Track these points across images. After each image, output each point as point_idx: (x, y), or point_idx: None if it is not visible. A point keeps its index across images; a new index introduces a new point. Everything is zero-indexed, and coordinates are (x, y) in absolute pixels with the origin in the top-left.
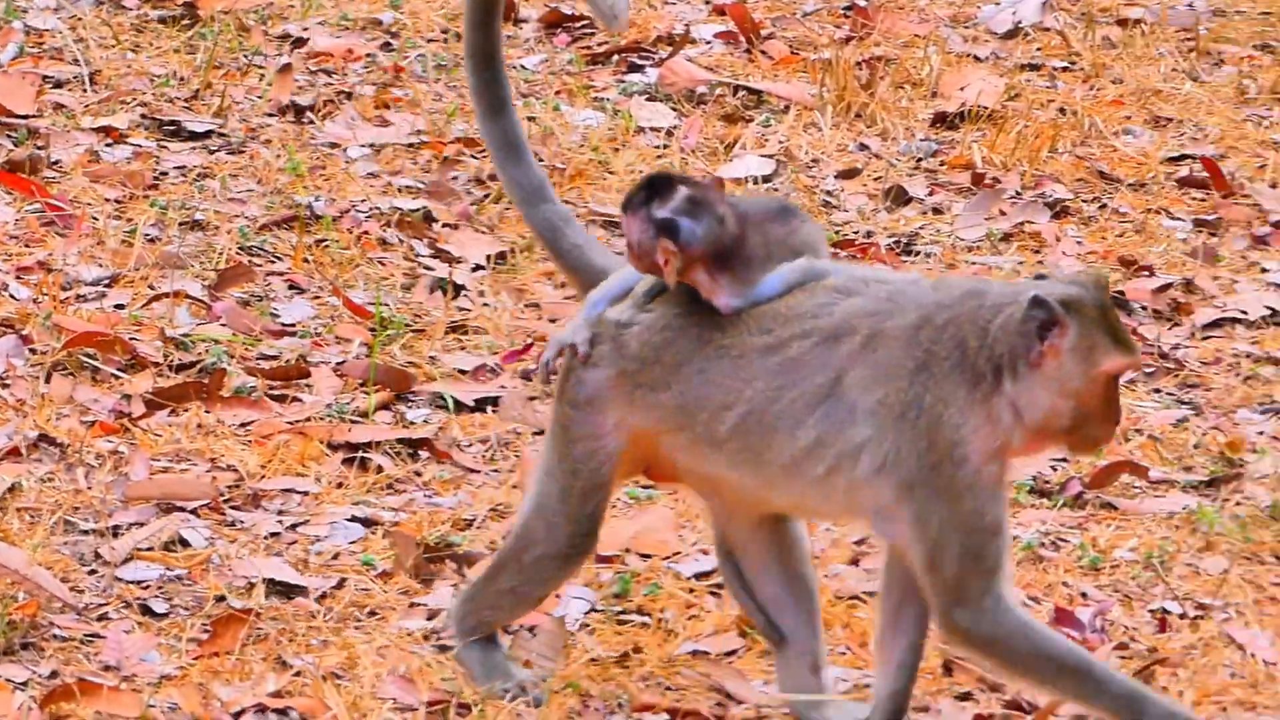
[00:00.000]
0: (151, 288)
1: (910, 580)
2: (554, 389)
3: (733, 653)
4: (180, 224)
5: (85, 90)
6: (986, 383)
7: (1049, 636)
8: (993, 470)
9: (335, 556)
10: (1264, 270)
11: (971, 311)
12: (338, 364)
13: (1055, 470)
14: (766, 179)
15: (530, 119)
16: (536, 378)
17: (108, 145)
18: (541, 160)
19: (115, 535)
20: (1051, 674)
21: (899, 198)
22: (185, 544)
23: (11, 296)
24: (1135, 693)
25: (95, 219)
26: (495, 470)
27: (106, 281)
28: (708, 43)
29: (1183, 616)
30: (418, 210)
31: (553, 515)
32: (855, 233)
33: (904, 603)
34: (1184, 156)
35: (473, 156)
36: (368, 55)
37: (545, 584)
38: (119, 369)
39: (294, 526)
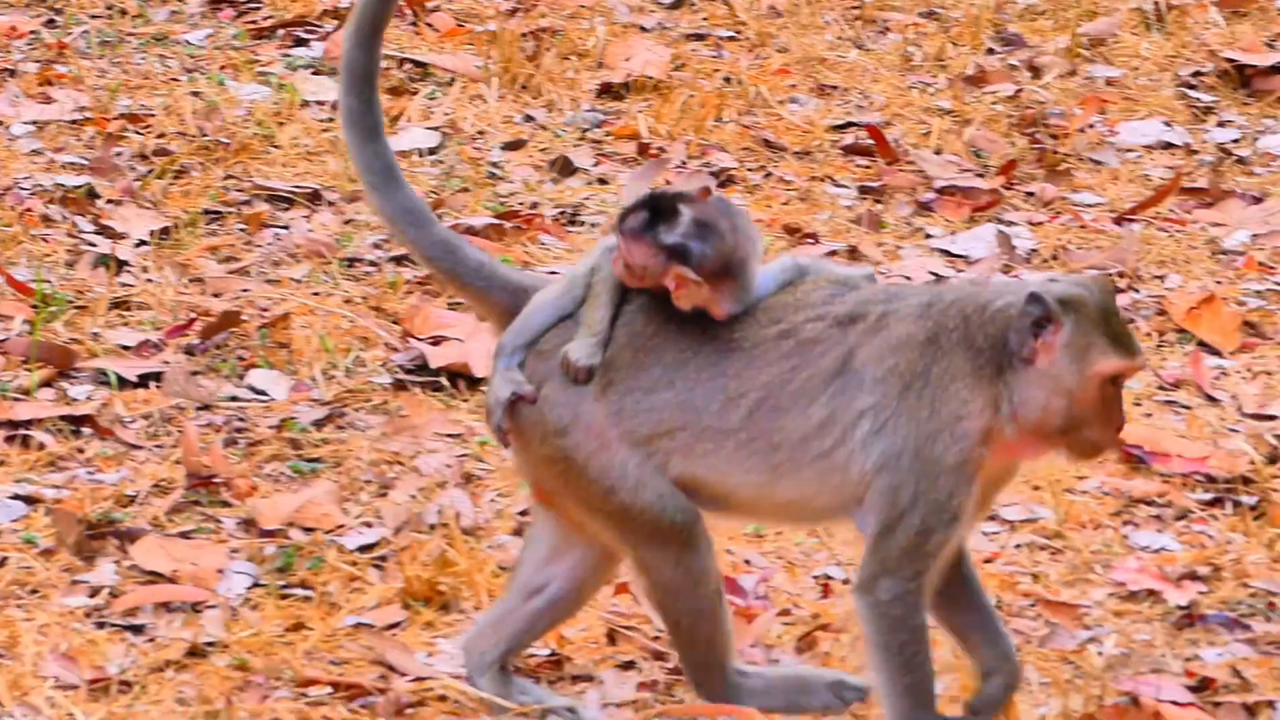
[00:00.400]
0: None
1: (948, 563)
2: (529, 444)
3: (395, 625)
4: None
5: None
6: (989, 366)
7: (928, 640)
8: (979, 455)
9: None
10: (928, 236)
11: (974, 295)
12: None
13: None
14: (432, 151)
15: (195, 94)
16: (497, 442)
17: None
18: (206, 136)
19: None
20: (900, 672)
21: (565, 169)
22: None
23: None
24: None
25: None
26: (158, 446)
27: None
28: None
29: (845, 582)
30: (81, 186)
31: (667, 547)
32: (521, 204)
33: (954, 587)
34: (849, 124)
35: (136, 132)
36: (31, 32)
37: (716, 592)
38: None
39: None
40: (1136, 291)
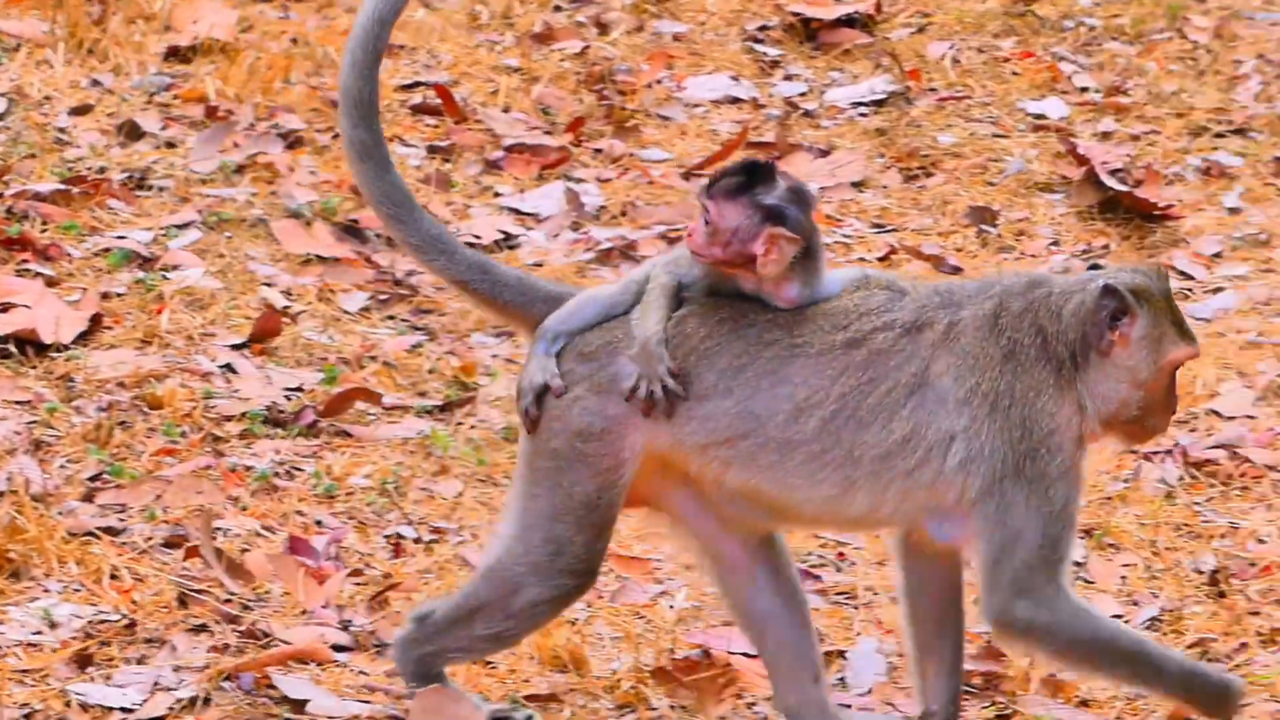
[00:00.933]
0: None
1: (944, 586)
2: (542, 431)
3: None
4: None
5: None
6: (1068, 370)
7: (1107, 622)
8: (1080, 458)
9: None
10: (497, 194)
11: (1043, 298)
12: None
13: (289, 399)
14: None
15: None
16: (523, 428)
17: None
18: None
19: None
20: (1110, 659)
21: (132, 133)
22: None
23: None
24: (1192, 670)
25: None
26: None
27: None
28: None
29: (417, 541)
30: None
31: (548, 558)
32: (89, 169)
33: (939, 609)
34: (417, 84)
35: None
36: None
37: (536, 626)
38: None
39: None
40: None
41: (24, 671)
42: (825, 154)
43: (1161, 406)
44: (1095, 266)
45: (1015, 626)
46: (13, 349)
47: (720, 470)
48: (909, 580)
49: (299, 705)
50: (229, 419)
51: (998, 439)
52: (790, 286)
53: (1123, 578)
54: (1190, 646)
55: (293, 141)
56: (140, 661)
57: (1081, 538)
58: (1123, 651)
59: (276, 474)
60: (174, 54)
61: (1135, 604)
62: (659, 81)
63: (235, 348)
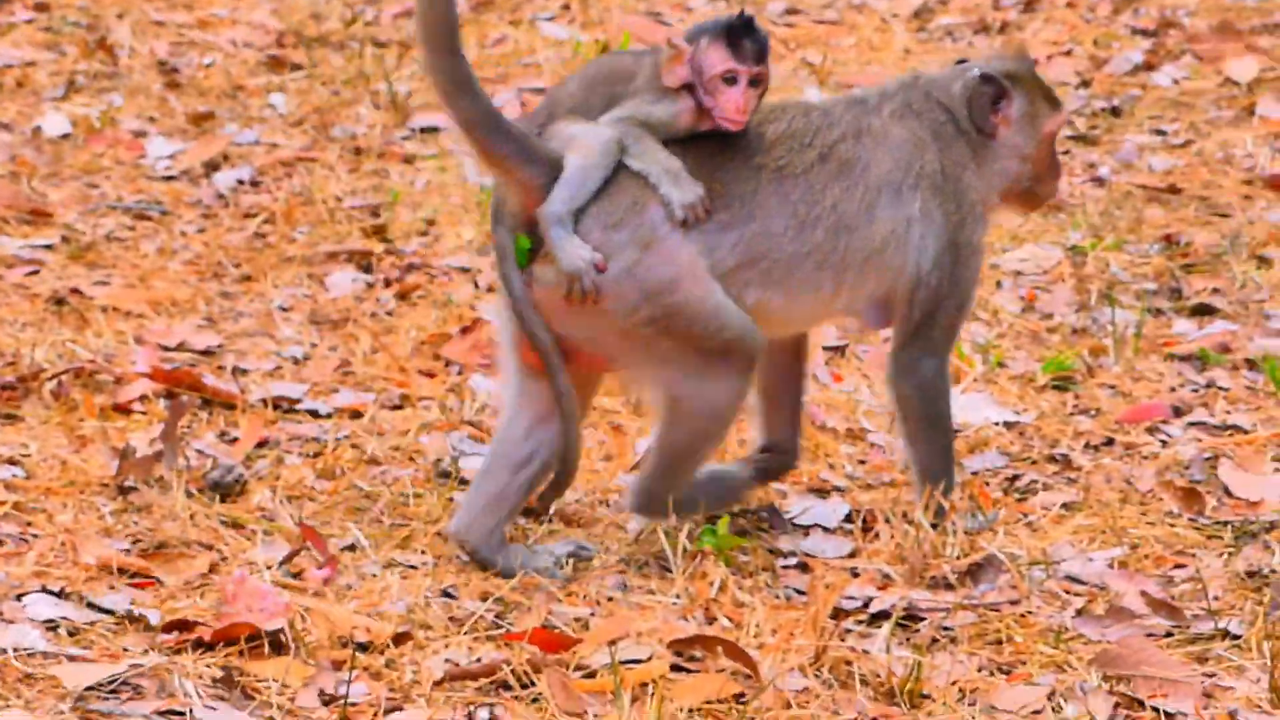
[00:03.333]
0: None
1: (797, 347)
2: (618, 311)
3: None
4: None
5: None
6: (975, 145)
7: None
8: (987, 229)
9: None
10: None
11: (937, 86)
12: None
13: None
14: None
15: None
16: (573, 299)
17: None
18: None
19: None
20: (941, 435)
21: None
22: None
23: None
24: (951, 465)
25: None
26: None
27: None
28: None
29: None
30: None
31: (729, 373)
32: None
33: (789, 362)
34: None
35: None
36: None
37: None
38: None
39: None
40: None
41: None
42: None
43: (1048, 173)
44: (962, 61)
45: (913, 383)
46: None
47: (741, 290)
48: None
49: None
50: None
51: (940, 213)
52: (744, 113)
53: None
54: None
55: None
56: None
57: None
58: (948, 432)
59: None
60: None
61: None
62: None
63: None
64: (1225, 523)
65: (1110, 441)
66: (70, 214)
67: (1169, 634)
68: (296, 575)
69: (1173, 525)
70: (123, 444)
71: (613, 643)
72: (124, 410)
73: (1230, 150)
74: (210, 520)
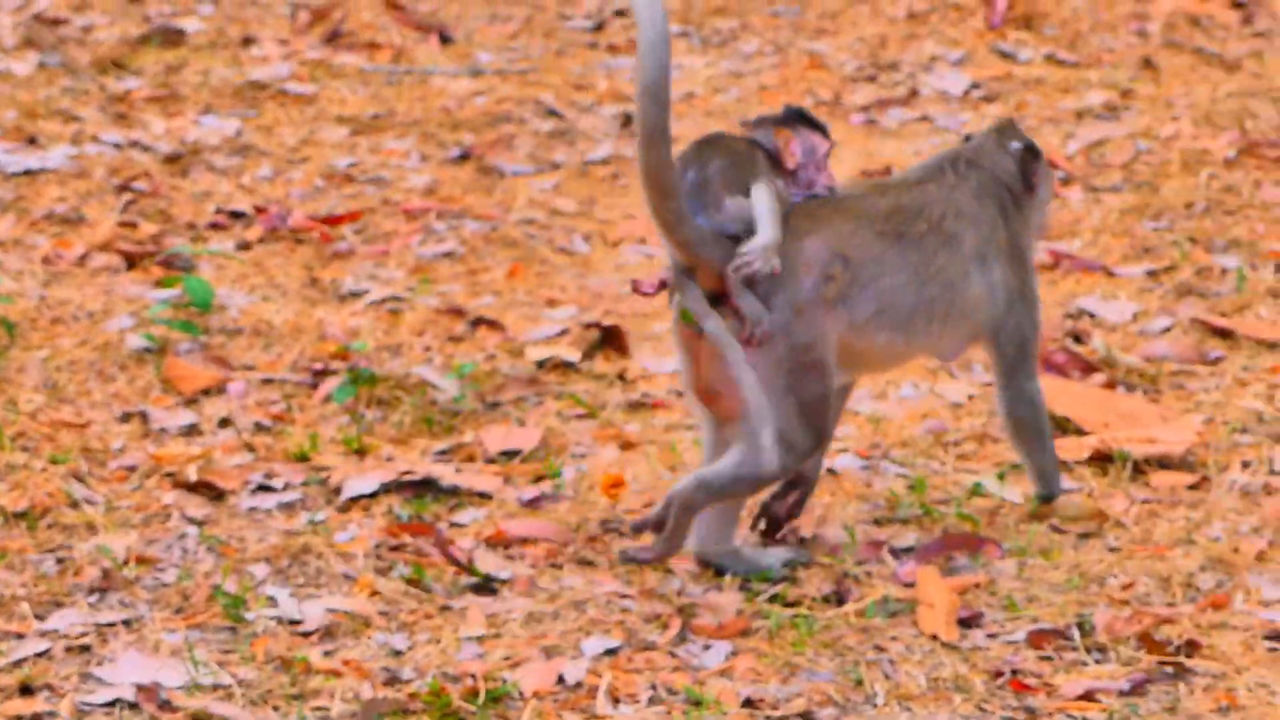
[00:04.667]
0: None
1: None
2: (765, 353)
3: None
4: None
5: None
6: (1024, 210)
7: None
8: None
9: None
10: None
11: (989, 163)
12: None
13: None
14: None
15: None
16: (753, 342)
17: None
18: None
19: None
20: (1049, 440)
21: None
22: None
23: None
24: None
25: None
26: None
27: None
28: None
29: None
30: None
31: (800, 428)
32: None
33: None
34: None
35: None
36: None
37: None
38: None
39: None
40: None
41: None
42: None
43: (1047, 217)
44: (969, 139)
45: (1026, 404)
46: None
47: (872, 336)
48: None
49: None
50: None
51: (1013, 276)
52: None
53: None
54: None
55: None
56: None
57: None
58: (1049, 432)
59: None
60: None
61: None
62: None
63: None
64: None
65: None
66: None
67: None
68: None
69: None
70: None
71: None
72: None
73: None
74: None
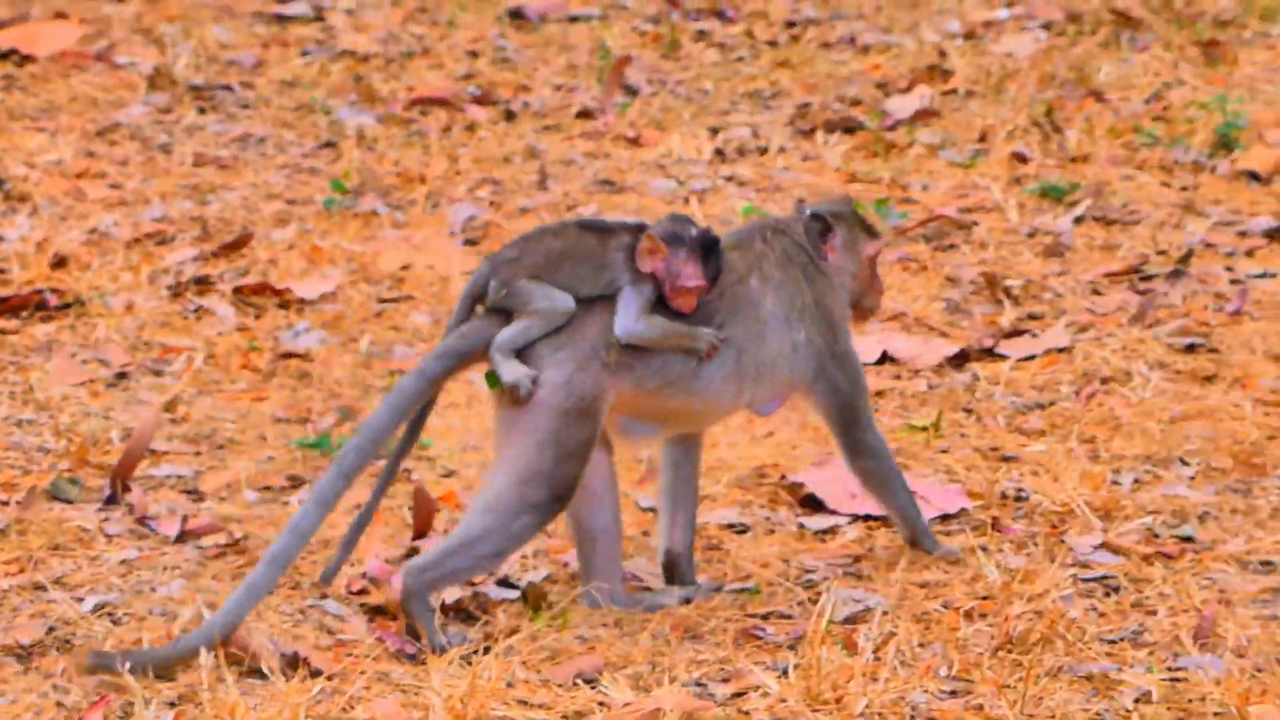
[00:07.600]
0: None
1: (692, 458)
2: (538, 404)
3: None
4: None
5: None
6: (827, 274)
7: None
8: (850, 336)
9: None
10: None
11: (789, 230)
12: None
13: None
14: None
15: None
16: (520, 399)
17: None
18: None
19: None
20: (902, 484)
21: None
22: None
23: None
24: (924, 522)
25: None
26: None
27: None
28: None
29: None
30: None
31: (539, 482)
32: None
33: (688, 474)
34: None
35: None
36: None
37: (524, 542)
38: None
39: None
40: None
41: None
42: None
43: (870, 290)
44: (802, 201)
45: (866, 456)
46: None
47: (664, 401)
48: (671, 455)
49: None
50: None
51: (818, 336)
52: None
53: None
54: None
55: None
56: None
57: None
58: (900, 475)
59: None
60: None
61: None
62: None
63: None
64: None
65: None
66: None
67: None
68: None
69: None
70: None
71: None
72: None
73: None
74: None
